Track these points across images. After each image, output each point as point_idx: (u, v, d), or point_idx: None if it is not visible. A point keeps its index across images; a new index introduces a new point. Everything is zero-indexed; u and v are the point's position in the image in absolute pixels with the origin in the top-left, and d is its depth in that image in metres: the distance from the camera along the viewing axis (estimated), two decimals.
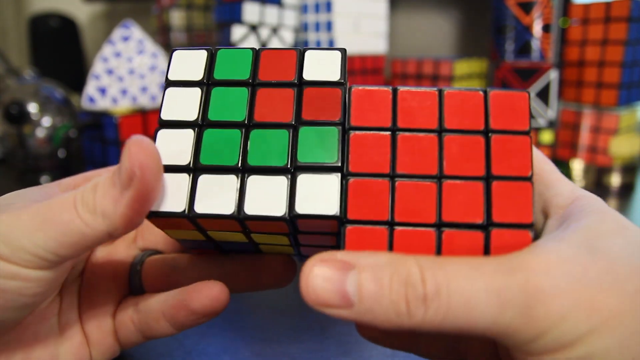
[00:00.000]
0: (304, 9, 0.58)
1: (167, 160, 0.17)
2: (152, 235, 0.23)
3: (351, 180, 0.17)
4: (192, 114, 0.18)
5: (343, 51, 0.19)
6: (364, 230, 0.16)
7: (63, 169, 0.57)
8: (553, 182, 0.18)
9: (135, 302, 0.21)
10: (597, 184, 0.54)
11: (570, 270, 0.14)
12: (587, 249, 0.15)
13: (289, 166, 0.17)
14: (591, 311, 0.14)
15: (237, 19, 0.52)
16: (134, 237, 0.23)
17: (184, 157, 0.17)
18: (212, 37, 0.74)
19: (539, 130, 0.53)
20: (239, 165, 0.17)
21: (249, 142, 0.18)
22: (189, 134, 0.18)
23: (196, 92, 0.19)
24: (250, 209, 0.17)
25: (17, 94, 0.55)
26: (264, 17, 0.53)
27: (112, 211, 0.16)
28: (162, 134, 0.18)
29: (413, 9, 0.78)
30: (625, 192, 0.53)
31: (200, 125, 0.18)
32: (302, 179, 0.17)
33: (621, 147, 0.52)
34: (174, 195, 0.17)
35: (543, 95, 0.52)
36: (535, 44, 0.53)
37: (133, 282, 0.22)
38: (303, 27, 0.59)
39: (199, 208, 0.17)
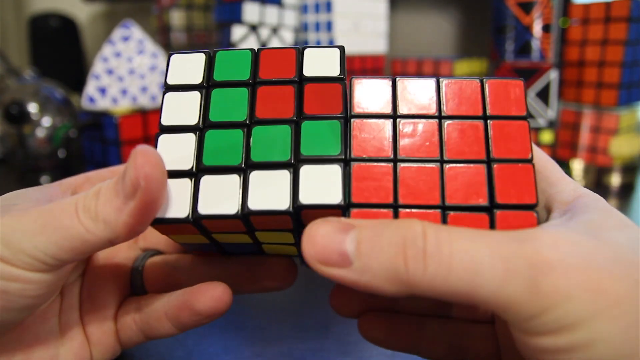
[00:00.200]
0: (304, 9, 0.58)
1: (169, 166, 0.17)
2: (153, 236, 0.23)
3: (354, 165, 0.17)
4: (192, 118, 0.18)
5: (342, 48, 0.19)
6: (369, 213, 0.17)
7: (63, 169, 0.57)
8: (556, 180, 0.18)
9: (137, 303, 0.21)
10: (597, 184, 0.54)
11: (579, 250, 0.14)
12: (593, 237, 0.15)
13: (292, 160, 0.17)
14: (597, 294, 0.13)
15: (237, 19, 0.52)
16: (136, 238, 0.23)
17: (186, 162, 0.17)
18: (212, 37, 0.74)
19: (539, 130, 0.53)
20: (242, 164, 0.17)
21: (251, 139, 0.18)
22: (190, 138, 0.18)
23: (196, 95, 0.19)
24: (254, 204, 0.17)
25: (17, 94, 0.55)
26: (264, 17, 0.53)
27: (114, 219, 0.16)
28: (163, 139, 0.18)
29: (413, 9, 0.78)
30: (625, 192, 0.53)
31: (202, 128, 0.18)
32: (305, 170, 0.17)
33: (621, 147, 0.52)
34: (177, 201, 0.17)
35: (543, 95, 0.52)
36: (535, 44, 0.53)
37: (135, 282, 0.22)
38: (303, 27, 0.59)
39: (203, 210, 0.17)
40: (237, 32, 0.52)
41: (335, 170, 0.17)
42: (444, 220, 0.16)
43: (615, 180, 0.54)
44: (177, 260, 0.22)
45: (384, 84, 0.18)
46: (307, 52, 0.19)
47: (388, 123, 0.18)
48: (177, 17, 0.71)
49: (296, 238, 0.19)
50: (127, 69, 0.52)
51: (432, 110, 0.18)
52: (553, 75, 0.51)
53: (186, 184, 0.17)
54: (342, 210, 0.17)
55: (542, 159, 0.19)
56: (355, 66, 0.59)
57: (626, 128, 0.53)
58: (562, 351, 0.13)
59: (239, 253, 0.22)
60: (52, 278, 0.17)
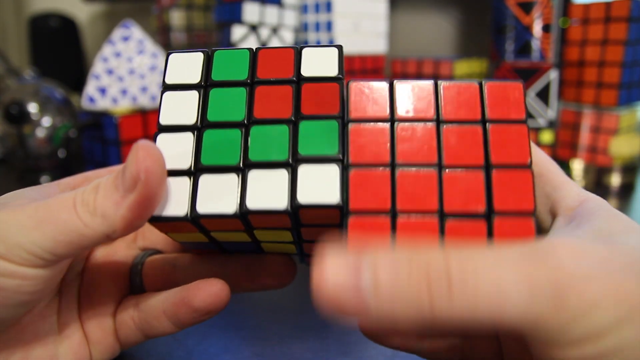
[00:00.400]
0: (304, 9, 0.58)
1: (167, 165, 0.17)
2: (152, 235, 0.23)
3: (352, 171, 0.17)
4: (191, 117, 0.18)
5: (339, 47, 0.19)
6: (367, 221, 0.16)
7: (63, 169, 0.57)
8: (560, 183, 0.18)
9: (135, 301, 0.21)
10: (597, 184, 0.54)
11: (596, 259, 0.14)
12: (605, 244, 0.14)
13: (290, 160, 0.17)
14: (620, 300, 0.13)
15: (237, 19, 0.52)
16: (134, 237, 0.23)
17: (185, 161, 0.17)
18: (212, 37, 0.74)
19: (539, 130, 0.53)
20: (240, 163, 0.17)
21: (249, 139, 0.18)
22: (188, 138, 0.18)
23: (194, 94, 0.19)
24: (252, 203, 0.17)
25: (17, 94, 0.55)
26: (264, 17, 0.53)
27: (113, 213, 0.16)
28: (162, 138, 0.18)
29: (413, 9, 0.78)
30: (625, 192, 0.53)
31: (200, 127, 0.18)
32: (303, 170, 0.17)
33: (621, 147, 0.52)
34: (175, 199, 0.17)
35: (543, 95, 0.52)
36: (535, 44, 0.53)
37: (134, 281, 0.22)
38: (303, 27, 0.59)
39: (201, 209, 0.17)
40: (237, 32, 0.52)
41: (333, 169, 0.17)
42: (442, 227, 0.16)
43: (615, 180, 0.54)
44: (176, 259, 0.22)
45: (381, 88, 0.18)
46: (305, 51, 0.19)
47: (386, 127, 0.17)
48: (177, 17, 0.71)
49: (295, 236, 0.19)
50: (127, 69, 0.52)
51: (430, 113, 0.18)
52: (553, 75, 0.51)
53: (185, 182, 0.17)
54: (339, 210, 0.17)
55: (545, 162, 0.18)
56: (355, 66, 0.59)
57: (626, 128, 0.53)
58: None
59: (238, 251, 0.22)
60: (49, 274, 0.17)
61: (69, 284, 0.21)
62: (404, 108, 0.18)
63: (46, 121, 0.54)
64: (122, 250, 0.23)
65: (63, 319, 0.21)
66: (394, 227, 0.16)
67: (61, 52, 0.82)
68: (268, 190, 0.17)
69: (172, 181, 0.17)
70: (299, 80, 0.18)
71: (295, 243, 0.20)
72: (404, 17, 0.77)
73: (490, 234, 0.16)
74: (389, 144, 0.17)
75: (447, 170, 0.17)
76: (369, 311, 0.13)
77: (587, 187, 0.17)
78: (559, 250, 0.14)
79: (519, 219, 0.16)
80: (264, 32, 0.54)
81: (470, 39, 0.77)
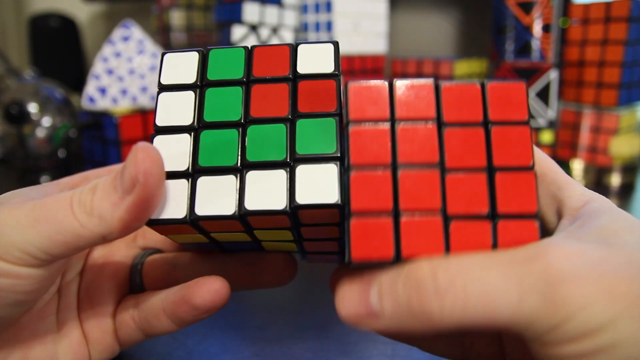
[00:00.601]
0: (304, 9, 0.58)
1: (165, 167, 0.17)
2: (152, 234, 0.23)
3: (353, 173, 0.17)
4: (187, 118, 0.18)
5: (335, 44, 0.19)
6: (369, 222, 0.16)
7: (63, 169, 0.57)
8: (564, 183, 0.18)
9: (135, 300, 0.21)
10: (597, 184, 0.54)
11: (590, 258, 0.14)
12: (603, 243, 0.15)
13: (288, 160, 0.17)
14: (615, 297, 0.13)
15: (237, 19, 0.52)
16: (134, 236, 0.23)
17: (182, 163, 0.17)
18: (212, 37, 0.74)
19: (539, 130, 0.53)
20: (238, 164, 0.17)
21: (246, 139, 0.17)
22: (185, 139, 0.18)
23: (190, 95, 0.18)
24: (250, 204, 0.17)
25: (17, 94, 0.55)
26: (264, 17, 0.53)
27: (110, 214, 0.16)
28: (159, 140, 0.18)
29: (413, 9, 0.78)
30: (625, 192, 0.53)
31: (196, 128, 0.18)
32: (301, 170, 0.17)
33: (621, 147, 0.52)
34: (174, 201, 0.17)
35: (543, 95, 0.52)
36: (535, 44, 0.53)
37: (134, 281, 0.22)
38: (303, 27, 0.59)
39: (200, 211, 0.17)
40: (237, 32, 0.52)
41: (331, 169, 0.17)
42: (446, 230, 0.16)
43: (615, 180, 0.54)
44: (176, 258, 0.22)
45: (381, 87, 0.18)
46: (300, 48, 0.19)
47: (386, 128, 0.17)
48: (177, 17, 0.71)
49: (295, 235, 0.19)
50: (127, 69, 0.52)
51: (432, 113, 0.17)
52: (553, 75, 0.51)
53: (183, 184, 0.17)
54: (338, 209, 0.16)
55: (548, 162, 0.18)
56: (355, 66, 0.59)
57: (626, 128, 0.53)
58: (587, 355, 0.13)
59: (239, 250, 0.22)
60: (44, 273, 0.17)
61: (69, 283, 0.21)
62: (404, 108, 0.18)
63: (46, 121, 0.54)
64: (122, 250, 0.23)
65: (62, 318, 0.20)
66: (397, 229, 0.16)
67: (61, 52, 0.82)
68: (267, 191, 0.17)
69: (170, 183, 0.17)
70: (295, 78, 0.18)
71: (296, 241, 0.20)
72: (404, 17, 0.77)
73: (494, 236, 0.16)
74: (390, 145, 0.17)
75: (449, 173, 0.17)
76: (380, 324, 0.16)
77: (587, 187, 0.17)
78: (550, 251, 0.14)
79: (523, 221, 0.16)
80: (264, 32, 0.54)
81: (470, 39, 0.77)
